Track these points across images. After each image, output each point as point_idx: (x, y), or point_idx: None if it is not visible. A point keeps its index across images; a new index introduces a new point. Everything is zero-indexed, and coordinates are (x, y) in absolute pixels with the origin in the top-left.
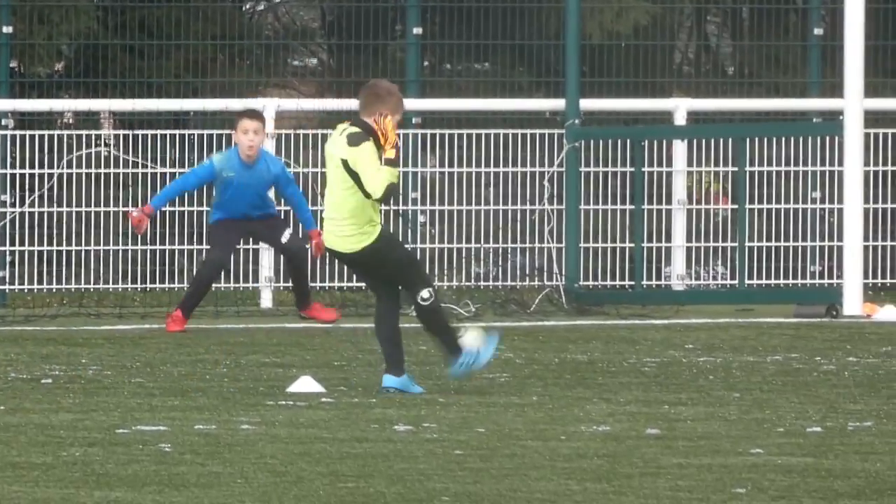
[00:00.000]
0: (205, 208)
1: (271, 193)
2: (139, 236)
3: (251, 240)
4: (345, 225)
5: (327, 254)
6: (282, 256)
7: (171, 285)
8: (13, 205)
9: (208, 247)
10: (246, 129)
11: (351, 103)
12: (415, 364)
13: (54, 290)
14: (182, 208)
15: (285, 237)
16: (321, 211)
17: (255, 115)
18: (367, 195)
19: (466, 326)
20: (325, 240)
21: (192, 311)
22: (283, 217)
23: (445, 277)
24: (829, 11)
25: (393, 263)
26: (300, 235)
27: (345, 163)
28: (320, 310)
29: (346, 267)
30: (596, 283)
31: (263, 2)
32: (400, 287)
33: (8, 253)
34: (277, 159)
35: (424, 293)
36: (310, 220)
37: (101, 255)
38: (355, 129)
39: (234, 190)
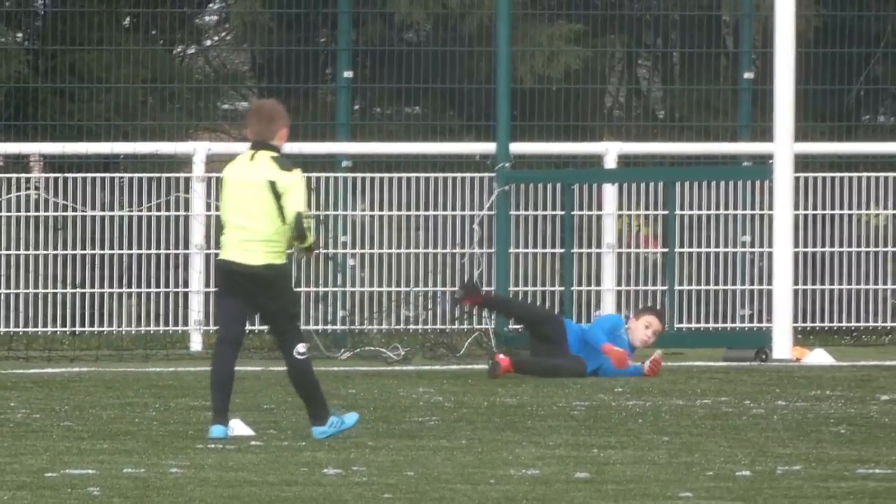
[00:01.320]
0: (134, 251)
1: None
2: (67, 280)
3: (181, 283)
4: (260, 243)
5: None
6: None
7: (101, 328)
8: None
9: None
10: (649, 324)
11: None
12: (344, 407)
13: None
14: (112, 251)
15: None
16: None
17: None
18: (283, 221)
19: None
20: (228, 258)
21: None
22: None
23: (375, 321)
24: (759, 55)
25: (286, 301)
26: None
27: (272, 185)
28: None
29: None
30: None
31: (194, 45)
32: (276, 336)
33: None
34: None
35: (301, 347)
36: None
37: (31, 297)
38: (274, 153)
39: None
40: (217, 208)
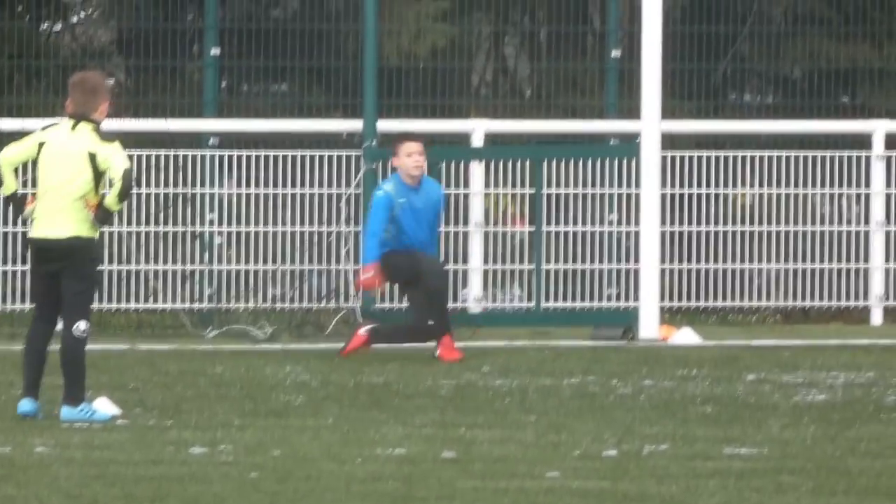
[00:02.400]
0: (10, 229)
1: None
2: None
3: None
4: (70, 213)
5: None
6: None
7: None
8: None
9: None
10: (410, 152)
11: (149, 124)
12: (211, 385)
13: None
14: None
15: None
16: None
17: (418, 136)
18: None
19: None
20: (38, 235)
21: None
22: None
23: (242, 299)
24: (626, 34)
25: (84, 278)
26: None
27: (92, 157)
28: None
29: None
30: (392, 304)
31: (60, 22)
32: (64, 306)
33: None
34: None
35: (83, 324)
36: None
37: None
38: (93, 124)
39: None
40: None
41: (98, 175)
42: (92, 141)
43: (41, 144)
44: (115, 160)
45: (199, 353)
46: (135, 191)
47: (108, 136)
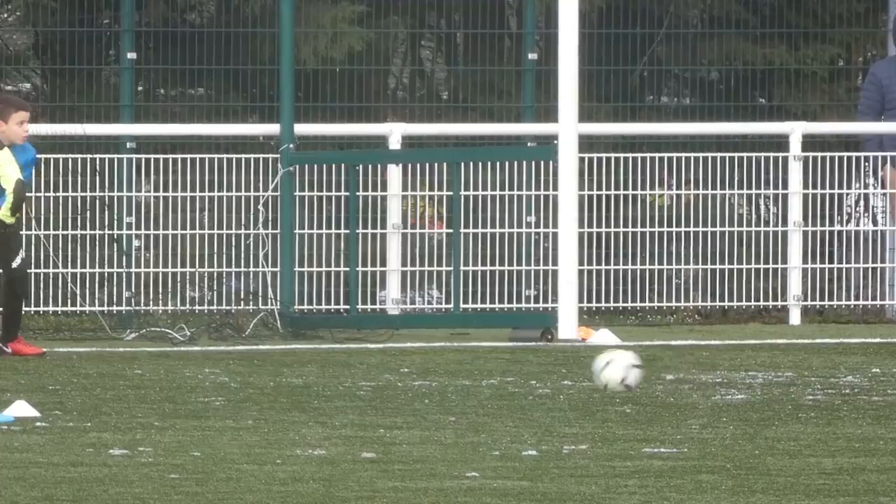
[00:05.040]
0: None
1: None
2: None
3: None
4: None
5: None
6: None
7: None
8: None
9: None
10: (21, 121)
11: (65, 128)
12: (130, 387)
13: None
14: None
15: (17, 260)
16: None
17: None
18: None
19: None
20: None
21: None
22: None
23: (160, 302)
24: (543, 37)
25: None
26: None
27: None
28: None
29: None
30: (311, 307)
31: None
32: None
33: None
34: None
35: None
36: None
37: None
38: None
39: None
40: None
41: None
42: None
43: None
44: (7, 170)
45: (118, 356)
46: (52, 194)
47: None
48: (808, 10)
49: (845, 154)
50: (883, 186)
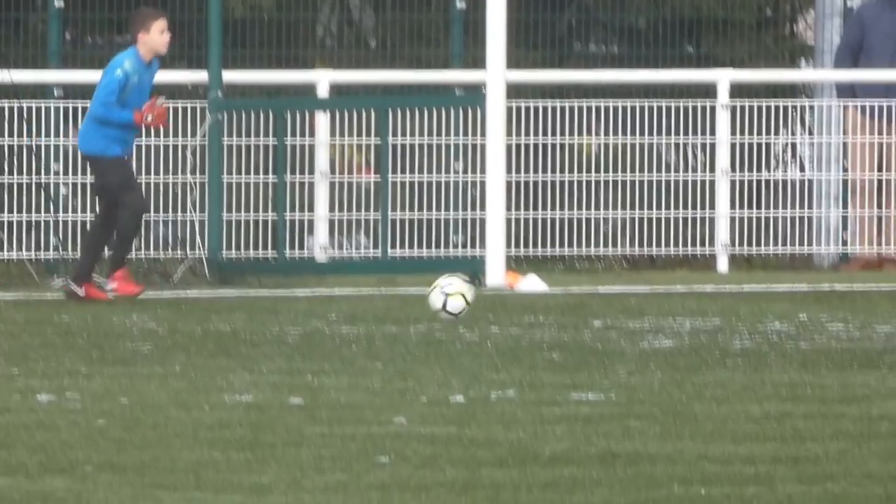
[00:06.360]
0: None
1: None
2: None
3: None
4: None
5: None
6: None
7: None
8: None
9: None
10: (163, 29)
11: None
12: (57, 334)
13: None
14: None
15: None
16: None
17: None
18: None
19: None
20: None
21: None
22: None
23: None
24: None
25: None
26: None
27: None
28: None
29: None
30: (239, 253)
31: None
32: None
33: None
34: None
35: None
36: None
37: None
38: None
39: (137, 97)
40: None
41: None
42: None
43: None
44: None
45: (46, 303)
46: None
47: None
48: None
49: (773, 102)
50: (844, 132)
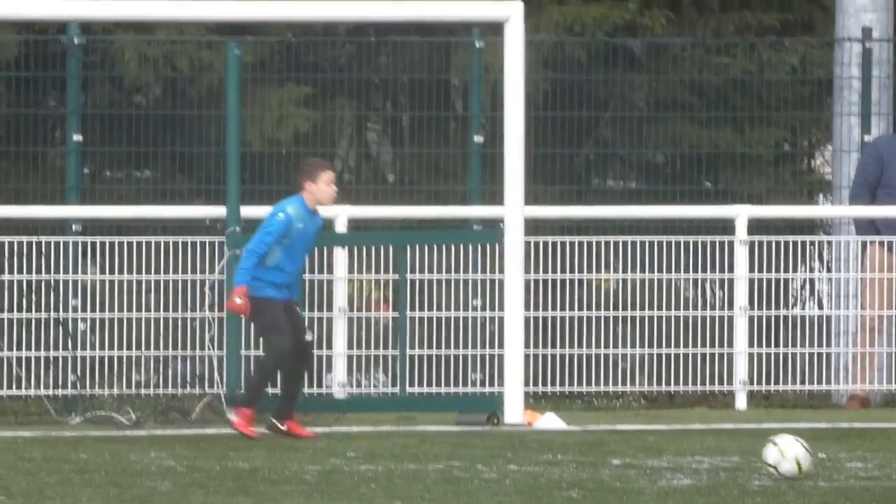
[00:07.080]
0: None
1: None
2: None
3: None
4: None
5: None
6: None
7: None
8: None
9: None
10: (330, 181)
11: (10, 210)
12: (75, 471)
13: None
14: None
15: (309, 334)
16: None
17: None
18: None
19: None
20: None
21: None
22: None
23: (106, 386)
24: (488, 119)
25: None
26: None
27: None
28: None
29: None
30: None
31: None
32: None
33: None
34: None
35: None
36: None
37: None
38: None
39: (300, 245)
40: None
41: None
42: None
43: None
44: None
45: (63, 440)
46: None
47: None
48: (754, 94)
49: (791, 238)
50: (863, 268)
